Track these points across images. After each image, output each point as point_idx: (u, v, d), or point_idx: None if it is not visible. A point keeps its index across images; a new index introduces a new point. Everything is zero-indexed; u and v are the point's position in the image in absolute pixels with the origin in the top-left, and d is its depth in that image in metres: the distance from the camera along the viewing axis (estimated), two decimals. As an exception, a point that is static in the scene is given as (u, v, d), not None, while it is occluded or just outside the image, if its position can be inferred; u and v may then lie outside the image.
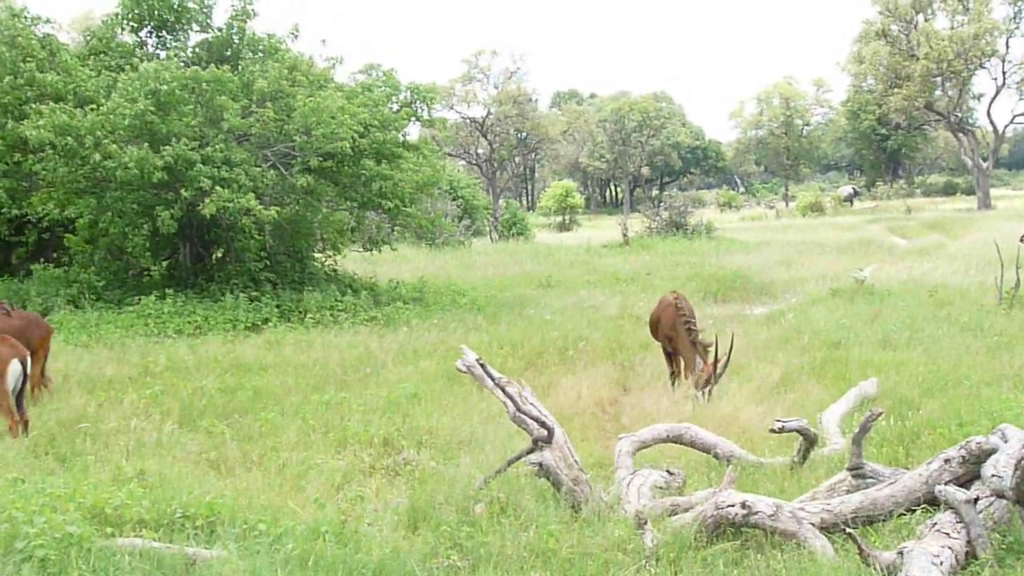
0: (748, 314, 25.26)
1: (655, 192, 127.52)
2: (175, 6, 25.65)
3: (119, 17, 25.81)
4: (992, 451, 7.92)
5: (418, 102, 27.59)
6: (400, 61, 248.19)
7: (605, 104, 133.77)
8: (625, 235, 49.65)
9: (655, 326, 17.18)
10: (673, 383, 16.37)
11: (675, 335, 16.32)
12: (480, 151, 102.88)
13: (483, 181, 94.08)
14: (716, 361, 15.33)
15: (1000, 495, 7.52)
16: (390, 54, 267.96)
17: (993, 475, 7.45)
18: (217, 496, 9.48)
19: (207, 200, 21.97)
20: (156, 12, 25.68)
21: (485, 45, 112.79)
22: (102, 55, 25.53)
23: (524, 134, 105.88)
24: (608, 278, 32.48)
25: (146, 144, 22.16)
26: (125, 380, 16.01)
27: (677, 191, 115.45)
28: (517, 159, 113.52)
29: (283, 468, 11.48)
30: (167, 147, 22.00)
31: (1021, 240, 21.73)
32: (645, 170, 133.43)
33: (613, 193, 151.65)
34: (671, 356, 16.83)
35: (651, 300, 24.45)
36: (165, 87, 22.31)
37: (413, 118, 27.57)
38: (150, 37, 26.59)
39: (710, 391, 15.06)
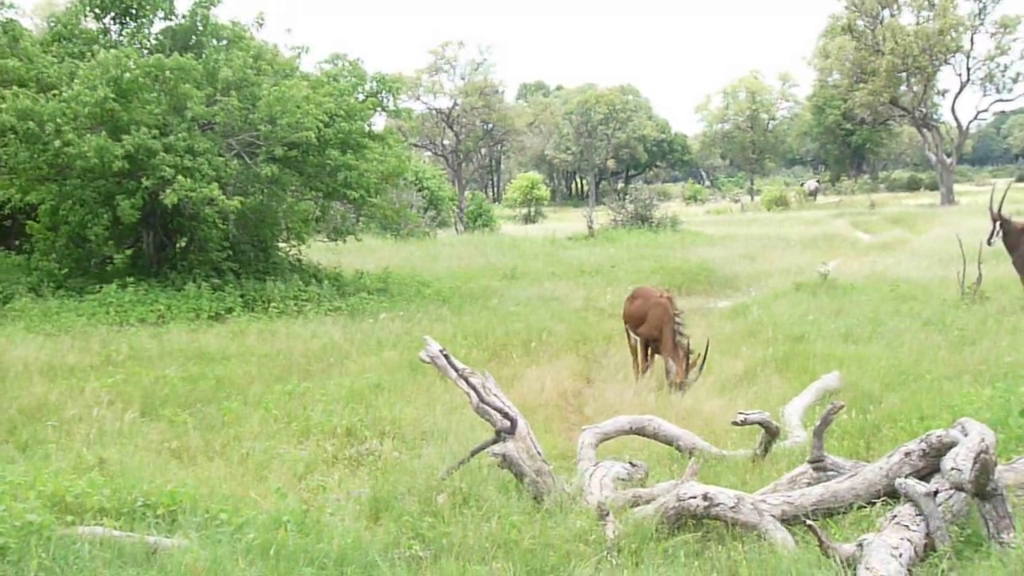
0: (712, 307, 25.35)
1: (621, 185, 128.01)
2: (139, -8, 25.49)
3: (82, 3, 25.59)
4: (952, 444, 7.95)
5: (384, 92, 27.54)
6: (367, 51, 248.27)
7: (571, 96, 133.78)
8: (590, 227, 49.73)
9: (638, 320, 16.88)
10: (637, 378, 16.35)
11: (660, 335, 16.22)
12: (446, 142, 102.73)
13: (449, 172, 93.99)
14: (689, 366, 15.46)
15: (959, 488, 7.55)
16: (357, 44, 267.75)
17: (952, 468, 7.47)
18: (179, 485, 9.43)
19: (169, 189, 21.84)
20: (119, -1, 25.54)
21: (452, 36, 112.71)
22: (65, 42, 25.31)
23: (490, 125, 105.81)
24: (573, 270, 32.53)
25: (104, 132, 22.02)
26: (87, 368, 15.91)
27: (643, 184, 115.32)
28: (483, 150, 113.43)
29: (245, 458, 11.44)
30: (127, 135, 21.86)
31: (988, 243, 21.64)
32: (611, 163, 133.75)
33: (579, 185, 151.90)
34: (645, 351, 16.73)
35: (616, 292, 24.60)
36: (128, 75, 22.16)
37: (379, 108, 27.50)
38: (114, 24, 26.34)
39: (682, 393, 15.16)
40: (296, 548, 7.94)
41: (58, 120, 21.68)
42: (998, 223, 21.41)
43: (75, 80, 22.24)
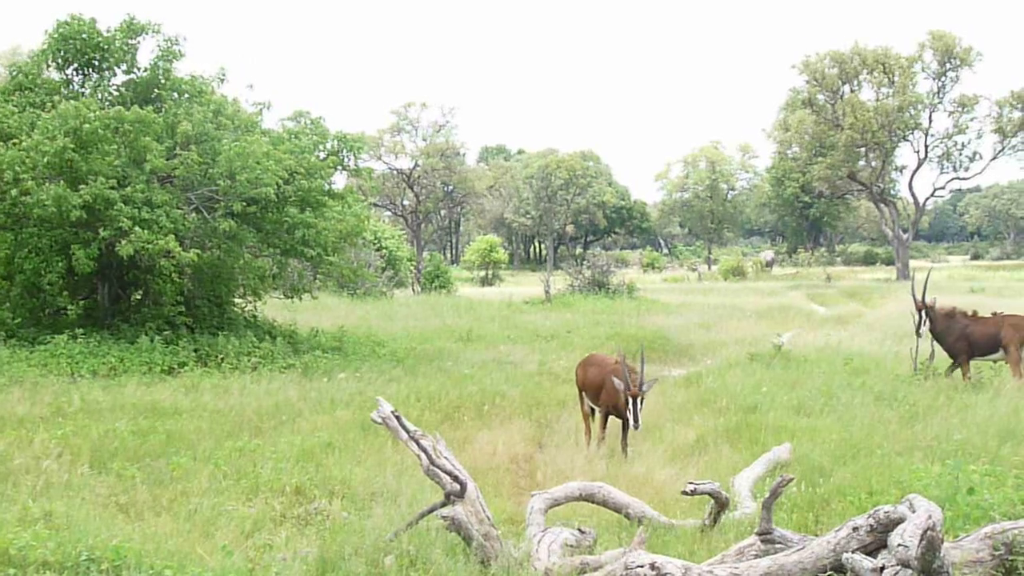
0: (667, 375, 25.31)
1: (579, 250, 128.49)
2: (100, 45, 25.43)
3: (45, 54, 25.59)
4: (900, 520, 7.98)
5: (345, 151, 27.54)
6: (329, 109, 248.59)
7: (532, 160, 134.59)
8: (547, 292, 49.86)
9: (595, 389, 16.66)
10: (588, 444, 16.28)
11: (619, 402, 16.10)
12: (406, 202, 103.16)
13: (408, 233, 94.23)
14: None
15: (905, 564, 7.57)
16: (320, 102, 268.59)
17: (899, 544, 7.50)
18: (124, 540, 9.34)
19: (125, 240, 21.76)
20: (81, 51, 25.47)
21: (415, 97, 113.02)
22: (27, 91, 25.27)
23: (450, 187, 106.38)
24: (528, 334, 32.53)
25: (62, 182, 21.96)
26: (36, 420, 15.76)
27: (601, 250, 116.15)
28: (443, 212, 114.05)
29: (193, 514, 11.34)
30: (86, 186, 21.79)
31: (917, 334, 21.66)
32: (570, 228, 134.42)
33: (537, 249, 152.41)
34: (604, 420, 16.49)
35: (572, 357, 24.56)
36: (87, 126, 22.13)
37: (339, 167, 27.51)
38: (76, 75, 26.34)
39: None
40: (240, 607, 7.88)
41: (17, 168, 21.62)
42: (923, 312, 21.39)
43: (35, 130, 22.20)
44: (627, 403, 15.21)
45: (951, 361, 21.25)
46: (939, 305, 21.61)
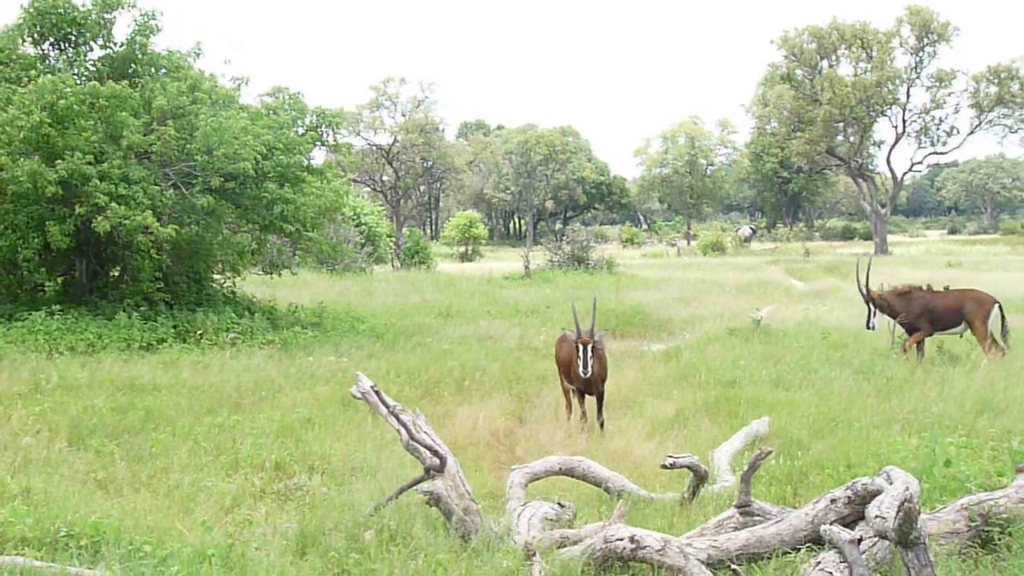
0: (646, 350, 25.36)
1: (558, 226, 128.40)
2: (76, 19, 25.25)
3: (21, 28, 25.40)
4: (877, 492, 8.00)
5: (324, 126, 27.46)
6: (308, 85, 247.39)
7: (512, 136, 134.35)
8: (527, 267, 49.86)
9: (567, 364, 16.48)
10: (569, 418, 16.28)
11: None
12: (385, 178, 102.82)
13: (387, 208, 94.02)
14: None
15: (883, 536, 7.60)
16: (299, 78, 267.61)
17: (877, 516, 7.52)
18: (103, 516, 9.34)
19: (102, 216, 21.67)
20: (57, 25, 25.30)
21: (394, 72, 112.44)
22: (2, 66, 25.06)
23: (430, 163, 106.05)
24: (508, 310, 32.51)
25: (38, 157, 21.88)
26: (14, 396, 15.70)
27: (580, 226, 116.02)
28: (422, 188, 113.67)
29: (172, 490, 11.35)
30: (62, 161, 21.71)
31: (868, 327, 21.55)
32: (549, 203, 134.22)
33: (517, 225, 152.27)
34: (580, 397, 16.45)
35: (551, 333, 24.58)
36: (63, 101, 22.02)
37: (318, 142, 27.42)
38: (52, 50, 26.16)
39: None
40: (219, 582, 7.87)
41: (-8, 144, 21.53)
42: (871, 304, 21.21)
43: (10, 105, 22.08)
44: (577, 351, 15.38)
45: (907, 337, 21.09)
46: (890, 286, 21.55)
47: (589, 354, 15.27)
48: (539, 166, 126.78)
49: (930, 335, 20.94)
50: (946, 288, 21.60)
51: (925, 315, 20.78)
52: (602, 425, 15.68)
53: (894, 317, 21.10)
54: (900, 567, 7.71)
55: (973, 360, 19.36)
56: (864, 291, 21.19)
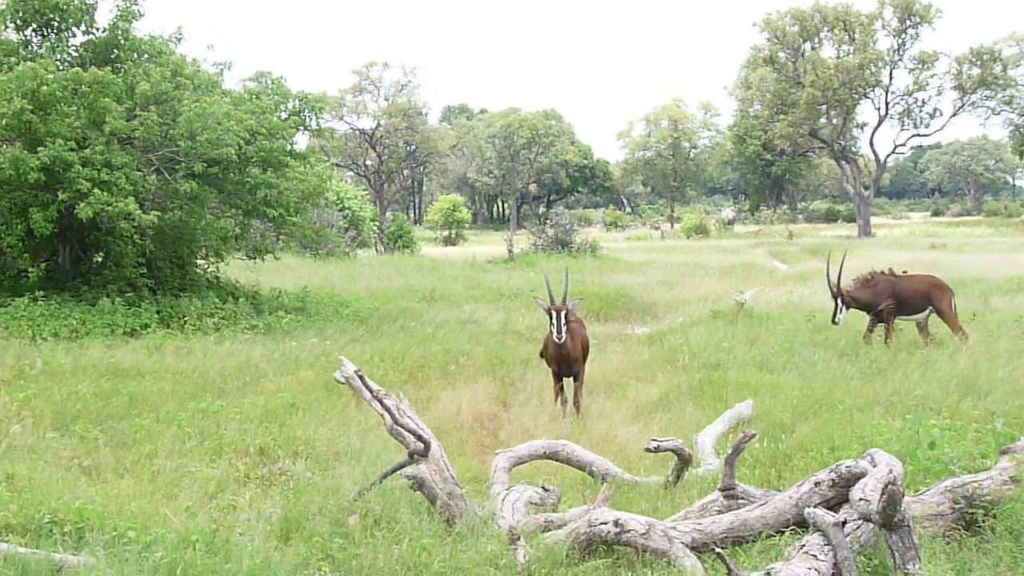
0: (630, 333, 25.39)
1: (542, 209, 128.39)
2: (59, 5, 25.11)
3: (3, 15, 25.24)
4: (861, 475, 8.04)
5: (307, 111, 27.40)
6: (291, 70, 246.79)
7: (495, 120, 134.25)
8: (511, 251, 49.85)
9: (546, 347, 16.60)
10: (559, 403, 16.22)
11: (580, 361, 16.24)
12: (368, 163, 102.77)
13: (370, 193, 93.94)
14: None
15: (867, 519, 7.63)
16: (281, 63, 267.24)
17: (861, 499, 7.56)
18: (87, 502, 9.34)
19: (84, 203, 21.61)
20: (40, 11, 25.16)
21: (377, 56, 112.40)
22: (-16, 52, 24.99)
23: (413, 147, 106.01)
24: (492, 293, 32.51)
25: (20, 144, 21.81)
26: (-3, 382, 15.72)
27: (564, 209, 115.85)
28: (405, 172, 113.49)
29: (156, 475, 11.34)
30: (44, 148, 21.64)
31: (834, 322, 21.09)
32: (533, 187, 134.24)
33: (500, 209, 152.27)
34: (557, 377, 16.27)
35: (535, 316, 24.63)
36: (45, 87, 21.95)
37: (301, 127, 27.36)
38: (35, 36, 26.04)
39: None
40: (204, 568, 7.87)
41: (-27, 131, 21.47)
42: (839, 300, 20.61)
43: (-8, 92, 22.00)
44: (550, 318, 15.49)
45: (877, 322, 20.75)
46: (853, 279, 21.08)
47: (563, 320, 15.34)
48: (522, 150, 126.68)
49: (894, 318, 20.63)
50: (905, 273, 21.33)
51: (892, 298, 20.45)
52: (578, 408, 15.68)
53: (867, 310, 20.80)
54: (884, 549, 7.74)
55: (955, 343, 19.42)
56: (834, 287, 20.64)
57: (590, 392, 16.79)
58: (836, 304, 20.66)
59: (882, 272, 20.98)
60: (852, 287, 20.76)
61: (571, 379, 16.13)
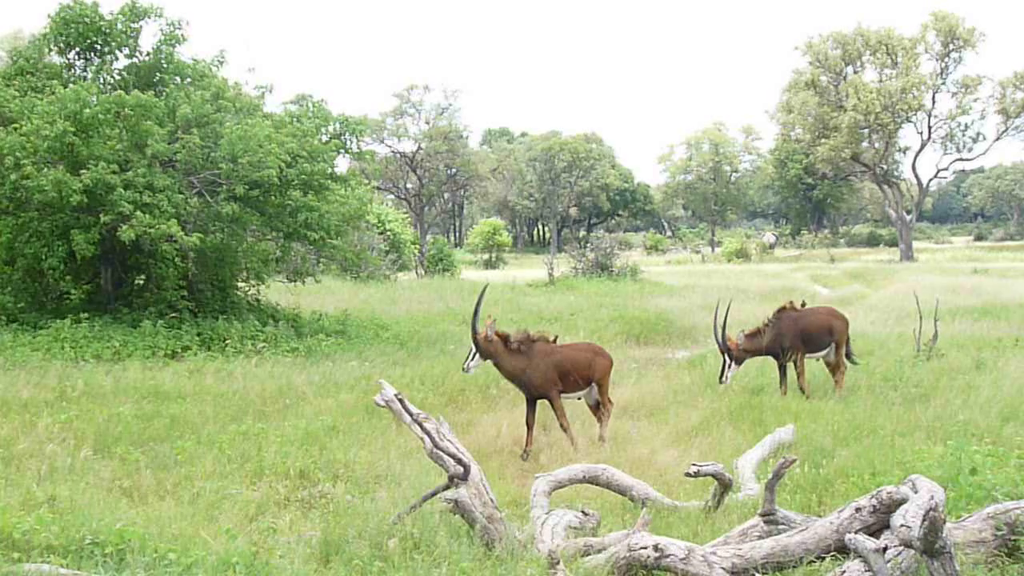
0: (670, 358, 25.33)
1: (582, 233, 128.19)
2: (102, 29, 25.34)
3: (47, 38, 25.51)
4: (902, 501, 7.98)
5: (348, 134, 27.48)
6: (332, 93, 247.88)
7: (536, 143, 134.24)
8: (551, 274, 49.77)
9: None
10: (603, 427, 16.12)
11: (604, 383, 16.13)
12: (409, 186, 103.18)
13: (411, 216, 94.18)
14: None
15: (908, 545, 7.58)
16: (322, 85, 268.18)
17: (902, 525, 7.51)
18: (128, 524, 9.35)
19: (127, 225, 21.74)
20: (83, 35, 25.39)
21: (418, 80, 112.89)
22: (28, 75, 25.20)
23: (454, 170, 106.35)
24: (532, 317, 32.44)
25: (63, 167, 21.98)
26: (41, 404, 15.75)
27: (604, 232, 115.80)
28: (446, 195, 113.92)
29: (196, 497, 11.36)
30: (86, 170, 21.80)
31: (721, 381, 18.14)
32: (573, 210, 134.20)
33: (541, 232, 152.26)
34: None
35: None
36: (88, 110, 22.13)
37: (342, 150, 27.43)
38: (78, 59, 26.27)
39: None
40: (243, 590, 7.88)
41: (17, 154, 21.65)
42: (726, 355, 18.14)
43: (34, 114, 22.17)
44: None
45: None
46: (741, 331, 18.46)
47: (470, 351, 15.22)
48: (563, 173, 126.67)
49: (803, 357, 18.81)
50: (803, 305, 19.44)
51: (797, 336, 18.54)
52: (601, 438, 15.50)
53: (772, 353, 18.73)
54: (925, 576, 7.68)
55: (1000, 368, 19.26)
56: (720, 339, 18.16)
57: (631, 416, 16.74)
58: (724, 361, 18.25)
59: (791, 305, 19.00)
60: (741, 338, 18.24)
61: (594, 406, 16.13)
